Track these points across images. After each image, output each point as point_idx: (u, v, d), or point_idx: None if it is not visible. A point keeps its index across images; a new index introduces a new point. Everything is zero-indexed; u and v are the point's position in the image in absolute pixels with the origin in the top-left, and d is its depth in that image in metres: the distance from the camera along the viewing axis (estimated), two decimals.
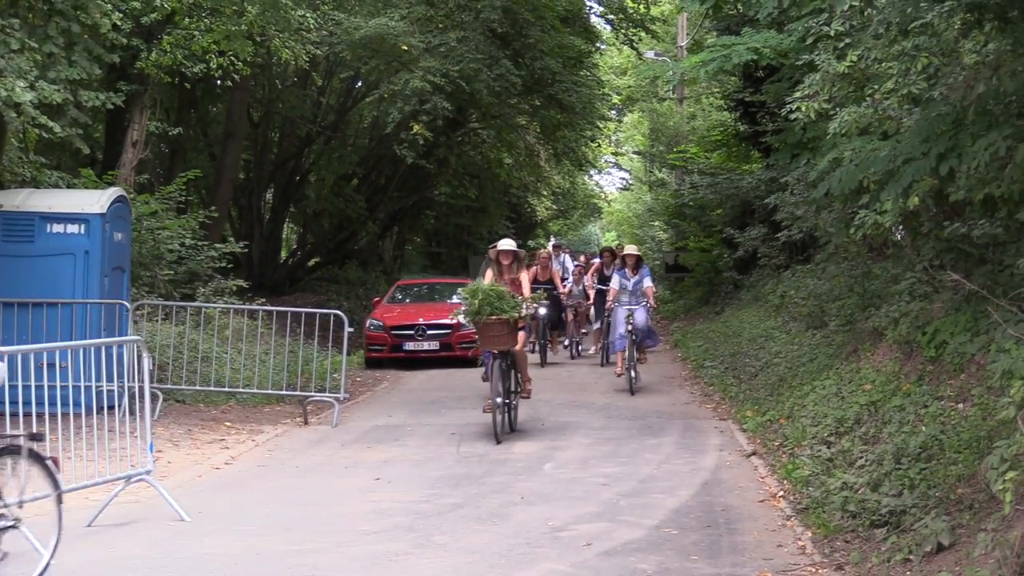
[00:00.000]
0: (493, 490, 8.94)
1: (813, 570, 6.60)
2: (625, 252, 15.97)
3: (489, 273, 11.65)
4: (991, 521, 5.86)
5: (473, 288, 11.01)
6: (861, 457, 8.31)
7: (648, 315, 15.13)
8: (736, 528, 7.65)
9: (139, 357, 8.28)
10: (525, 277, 11.70)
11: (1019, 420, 5.64)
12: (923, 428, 8.02)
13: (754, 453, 10.35)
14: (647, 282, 15.27)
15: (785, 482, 8.86)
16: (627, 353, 14.65)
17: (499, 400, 10.93)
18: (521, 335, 11.32)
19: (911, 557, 6.26)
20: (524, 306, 11.02)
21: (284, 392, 13.54)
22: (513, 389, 11.51)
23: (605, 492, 8.84)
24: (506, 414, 11.35)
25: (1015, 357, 5.76)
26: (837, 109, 11.01)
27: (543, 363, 18.01)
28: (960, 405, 8.18)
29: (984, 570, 5.54)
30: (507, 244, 11.97)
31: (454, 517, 8.00)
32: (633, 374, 14.69)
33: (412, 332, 18.61)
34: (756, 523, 7.79)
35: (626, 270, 15.33)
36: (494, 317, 10.80)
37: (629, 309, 14.77)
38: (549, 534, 7.49)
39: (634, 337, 14.67)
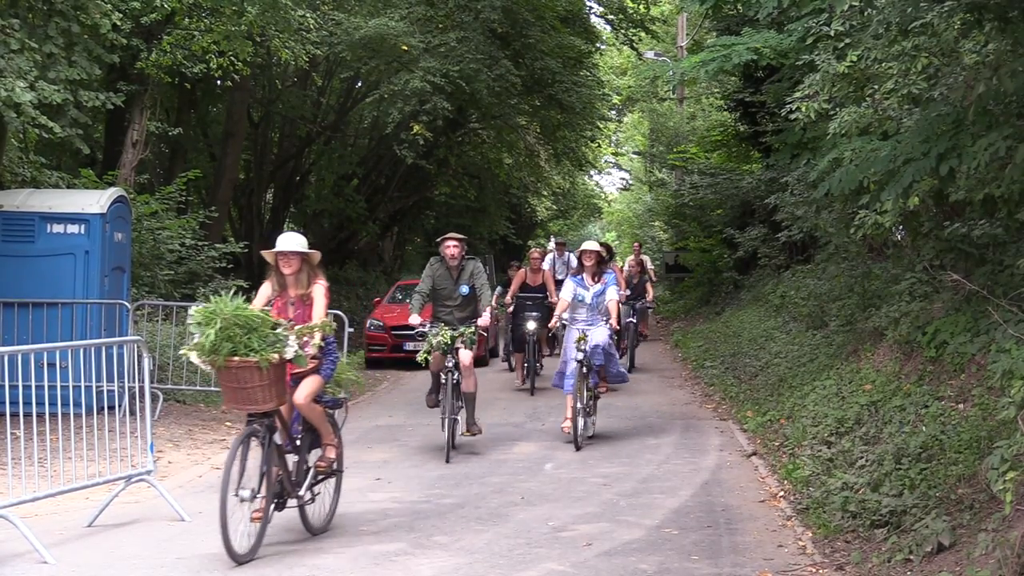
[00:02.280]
0: (493, 490, 8.94)
1: (813, 570, 6.60)
2: (583, 249, 11.30)
3: (265, 288, 7.51)
4: (991, 521, 5.87)
5: (209, 311, 6.70)
6: (861, 457, 8.32)
7: (611, 338, 11.08)
8: (736, 528, 7.66)
9: (139, 357, 8.28)
10: (321, 293, 7.42)
11: (1019, 420, 5.64)
12: (923, 428, 8.02)
13: (754, 453, 10.36)
14: (611, 293, 11.02)
15: (785, 482, 8.87)
16: (576, 386, 10.64)
17: (246, 493, 6.71)
18: (309, 385, 7.23)
19: (911, 557, 6.27)
20: (291, 342, 6.76)
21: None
22: (297, 480, 7.27)
23: (605, 492, 8.84)
24: (270, 521, 7.00)
25: (1015, 357, 5.77)
26: (837, 109, 11.01)
27: (532, 391, 14.71)
28: (960, 405, 8.19)
29: (984, 570, 5.54)
30: (289, 241, 7.45)
31: (454, 517, 8.00)
32: (582, 423, 10.80)
33: (412, 332, 18.55)
34: (756, 523, 7.79)
35: (584, 276, 11.09)
36: (237, 359, 6.61)
37: (582, 330, 10.87)
38: (549, 534, 7.49)
39: (584, 369, 10.70)
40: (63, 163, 17.00)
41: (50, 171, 14.73)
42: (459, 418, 10.50)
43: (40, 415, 8.66)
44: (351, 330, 13.22)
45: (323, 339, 7.16)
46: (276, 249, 7.43)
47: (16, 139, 13.36)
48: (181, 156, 21.82)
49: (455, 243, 10.57)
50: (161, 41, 15.33)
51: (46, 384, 8.08)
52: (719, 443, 11.09)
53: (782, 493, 8.63)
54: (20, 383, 7.44)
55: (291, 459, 7.25)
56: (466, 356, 10.34)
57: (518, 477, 9.48)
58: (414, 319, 10.39)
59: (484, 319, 10.48)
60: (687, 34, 32.26)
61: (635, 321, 17.11)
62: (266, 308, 7.18)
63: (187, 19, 15.61)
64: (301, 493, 7.24)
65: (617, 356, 11.53)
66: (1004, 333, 6.99)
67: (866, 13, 9.25)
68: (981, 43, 8.26)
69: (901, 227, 11.07)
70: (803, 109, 11.54)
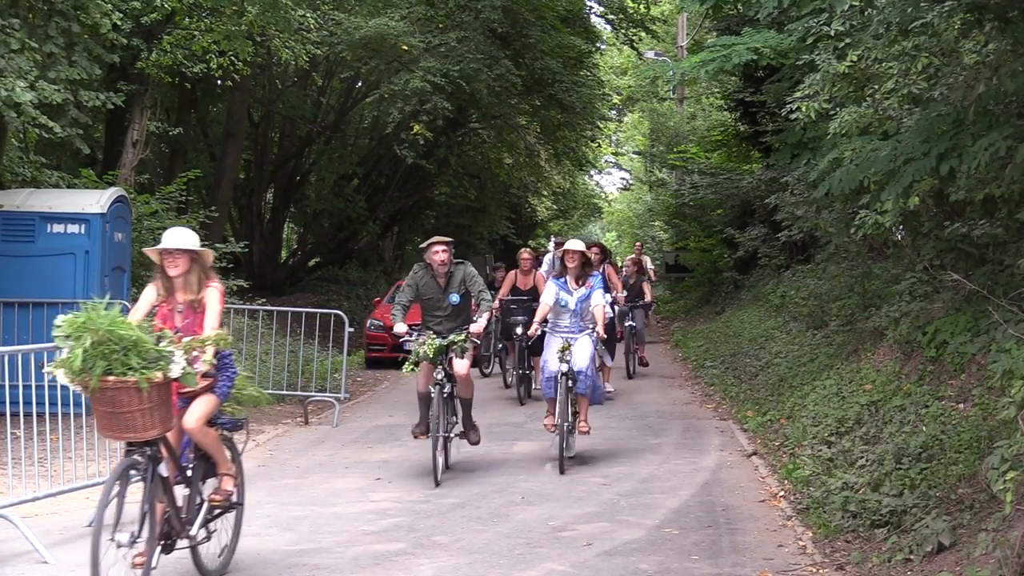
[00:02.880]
0: (493, 490, 8.94)
1: (814, 570, 6.61)
2: (565, 248, 10.21)
3: (148, 292, 6.36)
4: (992, 521, 5.87)
5: (78, 323, 5.59)
6: (862, 457, 8.32)
7: (595, 353, 10.10)
8: (737, 528, 7.66)
9: None
10: (215, 298, 6.30)
11: (1020, 420, 5.64)
12: (924, 428, 8.03)
13: (755, 453, 10.36)
14: (597, 298, 9.85)
15: (786, 482, 8.87)
16: (560, 400, 9.70)
17: (124, 537, 5.70)
18: (200, 406, 6.20)
19: (912, 557, 6.27)
20: (177, 358, 5.71)
21: (285, 392, 13.54)
22: (188, 517, 6.24)
23: (605, 492, 8.85)
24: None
25: (1015, 357, 5.77)
26: (837, 109, 11.01)
27: (522, 400, 14.03)
28: (961, 405, 8.19)
29: (985, 570, 5.54)
30: (175, 238, 6.33)
31: (454, 517, 8.00)
32: (565, 443, 9.71)
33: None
34: (757, 523, 7.79)
35: (567, 278, 9.95)
36: (112, 379, 5.58)
37: (566, 339, 9.84)
38: (550, 534, 7.49)
39: (570, 383, 9.75)
40: (63, 163, 16.98)
41: (50, 171, 14.71)
42: (453, 435, 9.67)
43: (40, 415, 8.67)
44: (351, 330, 13.24)
45: (217, 353, 6.15)
46: (160, 246, 6.33)
47: (16, 139, 13.36)
48: (181, 156, 21.82)
49: (443, 248, 9.59)
50: (161, 41, 15.33)
51: (46, 384, 8.05)
52: (719, 443, 11.09)
53: (782, 493, 8.63)
54: (20, 383, 7.45)
55: (181, 492, 6.25)
56: (462, 366, 9.37)
57: (518, 477, 9.48)
58: (400, 327, 9.38)
59: (478, 325, 9.45)
60: (687, 34, 32.27)
61: (635, 325, 16.56)
62: (150, 316, 6.26)
63: (187, 19, 15.60)
64: (193, 532, 6.25)
65: (601, 375, 10.28)
66: (1004, 333, 6.99)
67: (866, 13, 9.25)
68: (981, 43, 8.25)
69: (901, 227, 11.07)
70: (803, 109, 11.53)
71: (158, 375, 5.63)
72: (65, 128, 11.99)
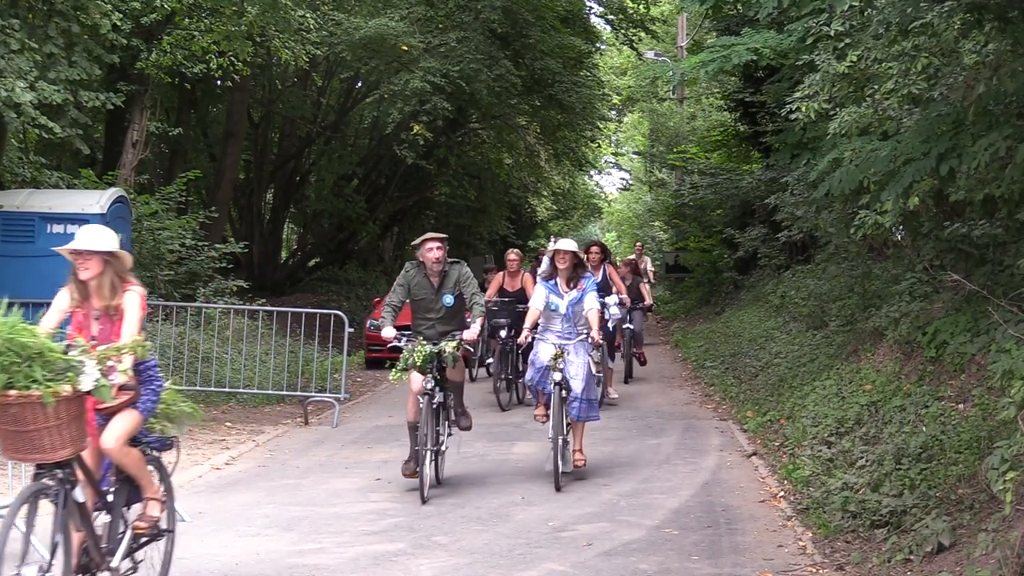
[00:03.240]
0: (493, 490, 8.94)
1: (814, 570, 6.61)
2: (556, 248, 9.54)
3: (61, 298, 5.75)
4: (992, 521, 5.87)
5: None
6: (861, 457, 8.32)
7: (590, 366, 9.23)
8: (736, 528, 7.66)
9: None
10: (134, 304, 5.67)
11: (1019, 420, 5.64)
12: (923, 428, 8.03)
13: (755, 453, 10.36)
14: (590, 301, 9.18)
15: (786, 482, 8.87)
16: (554, 412, 9.03)
17: (30, 571, 5.00)
18: (121, 424, 5.58)
19: (912, 557, 6.27)
20: (88, 369, 5.09)
21: (284, 392, 13.55)
22: (109, 547, 5.61)
23: (605, 492, 8.84)
24: None
25: (1015, 357, 5.77)
26: (837, 109, 11.01)
27: (504, 406, 13.39)
28: (960, 405, 8.19)
29: (985, 570, 5.54)
30: (88, 238, 5.70)
31: (454, 517, 8.00)
32: (561, 457, 8.98)
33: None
34: (756, 523, 7.79)
35: (557, 280, 9.32)
36: (13, 393, 4.93)
37: (559, 346, 9.11)
38: (549, 534, 7.49)
39: (564, 394, 9.08)
40: (63, 163, 16.99)
41: (50, 171, 14.72)
42: (443, 449, 9.10)
43: None
44: (351, 330, 13.24)
45: (137, 363, 5.54)
46: (70, 246, 5.65)
47: (16, 139, 13.37)
48: (181, 156, 21.84)
49: (438, 244, 8.91)
50: (161, 41, 15.33)
51: None
52: (719, 443, 11.09)
53: (782, 493, 8.63)
54: None
55: (102, 520, 5.63)
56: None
57: (518, 477, 9.48)
58: (388, 331, 8.86)
59: (471, 331, 8.85)
60: (687, 34, 32.27)
61: (633, 328, 15.88)
62: (64, 324, 5.73)
63: (187, 19, 15.61)
64: (115, 564, 5.58)
65: (596, 394, 9.75)
66: (1004, 333, 6.99)
67: (866, 13, 9.25)
68: (981, 43, 8.25)
69: (901, 227, 11.07)
70: (803, 109, 11.52)
71: (66, 388, 4.99)
72: (65, 128, 12.00)
